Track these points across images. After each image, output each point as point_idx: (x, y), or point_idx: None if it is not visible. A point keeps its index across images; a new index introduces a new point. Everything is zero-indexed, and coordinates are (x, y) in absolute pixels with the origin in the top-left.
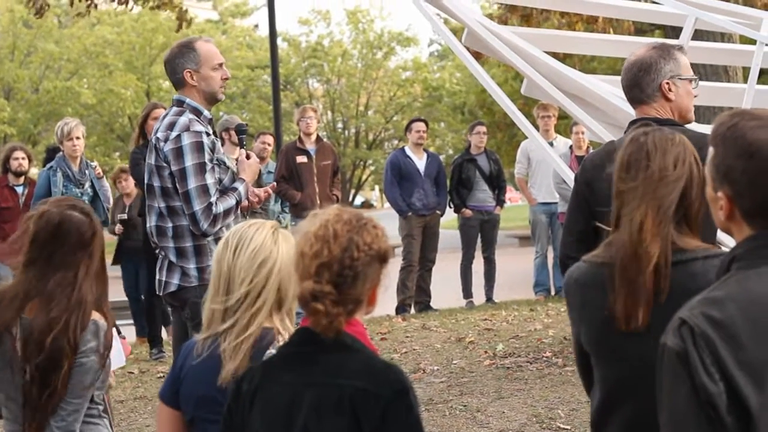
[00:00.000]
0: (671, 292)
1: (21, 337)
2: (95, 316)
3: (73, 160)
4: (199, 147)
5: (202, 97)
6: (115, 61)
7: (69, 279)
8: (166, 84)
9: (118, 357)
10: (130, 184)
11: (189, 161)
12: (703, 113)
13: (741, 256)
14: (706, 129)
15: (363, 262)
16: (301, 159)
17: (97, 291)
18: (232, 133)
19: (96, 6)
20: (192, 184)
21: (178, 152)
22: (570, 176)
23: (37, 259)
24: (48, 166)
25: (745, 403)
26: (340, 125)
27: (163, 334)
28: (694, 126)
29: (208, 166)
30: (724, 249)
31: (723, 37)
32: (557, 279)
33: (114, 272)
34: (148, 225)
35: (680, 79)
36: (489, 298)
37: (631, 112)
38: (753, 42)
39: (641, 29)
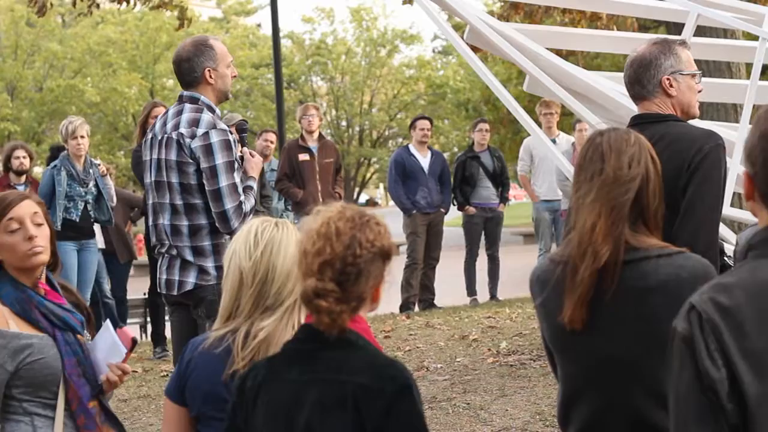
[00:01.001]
0: (620, 290)
1: None
2: None
3: (78, 159)
4: (228, 145)
5: (215, 95)
6: (118, 60)
7: None
8: (170, 83)
9: (113, 350)
10: None
11: (220, 159)
12: (706, 109)
13: (756, 245)
14: (708, 125)
15: (366, 259)
16: (303, 157)
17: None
18: (233, 130)
19: (98, 6)
20: (223, 182)
21: (208, 149)
22: (572, 173)
23: None
24: (52, 164)
25: (745, 392)
26: (344, 123)
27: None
28: (697, 122)
29: (236, 164)
30: (727, 246)
31: (725, 33)
32: None
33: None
34: (155, 222)
35: (681, 74)
36: (493, 296)
37: (634, 109)
38: (756, 38)
39: (644, 26)
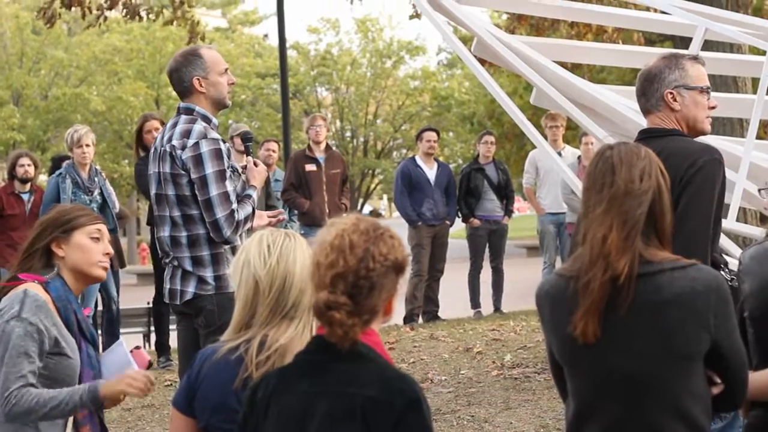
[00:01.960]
0: (635, 304)
1: None
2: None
3: (83, 167)
4: (218, 154)
5: (210, 104)
6: (124, 69)
7: None
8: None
9: (126, 368)
10: None
11: (209, 168)
12: (712, 124)
13: None
14: (714, 140)
15: (379, 272)
16: (310, 167)
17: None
18: (237, 140)
19: (106, 18)
20: (214, 191)
21: (198, 159)
22: (578, 186)
23: None
24: (57, 172)
25: None
26: (348, 134)
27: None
28: (702, 137)
29: (227, 173)
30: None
31: (732, 47)
32: None
33: (127, 279)
34: (158, 234)
35: (687, 88)
36: (497, 308)
37: (641, 122)
38: (763, 53)
39: (651, 40)
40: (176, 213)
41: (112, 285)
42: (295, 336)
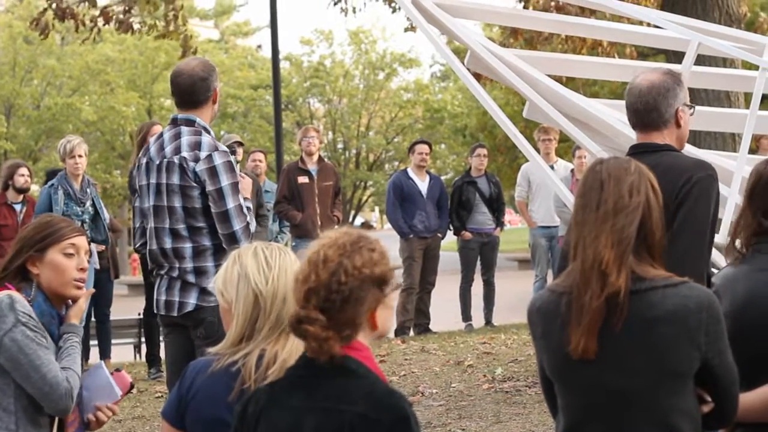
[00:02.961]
0: (628, 320)
1: None
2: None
3: (75, 178)
4: (231, 167)
5: (211, 115)
6: (116, 79)
7: None
8: (168, 102)
9: (107, 391)
10: None
11: (225, 181)
12: (704, 138)
13: None
14: (707, 154)
15: (352, 285)
16: (303, 179)
17: None
18: None
19: (99, 31)
20: (231, 203)
21: (213, 172)
22: (570, 200)
23: None
24: (49, 183)
25: None
26: (341, 146)
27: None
28: (695, 151)
29: (239, 186)
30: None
31: (725, 62)
32: None
33: (118, 290)
34: (157, 246)
35: (687, 106)
36: (488, 322)
37: (633, 137)
38: (755, 67)
39: (643, 54)
40: (181, 225)
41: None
42: (293, 350)
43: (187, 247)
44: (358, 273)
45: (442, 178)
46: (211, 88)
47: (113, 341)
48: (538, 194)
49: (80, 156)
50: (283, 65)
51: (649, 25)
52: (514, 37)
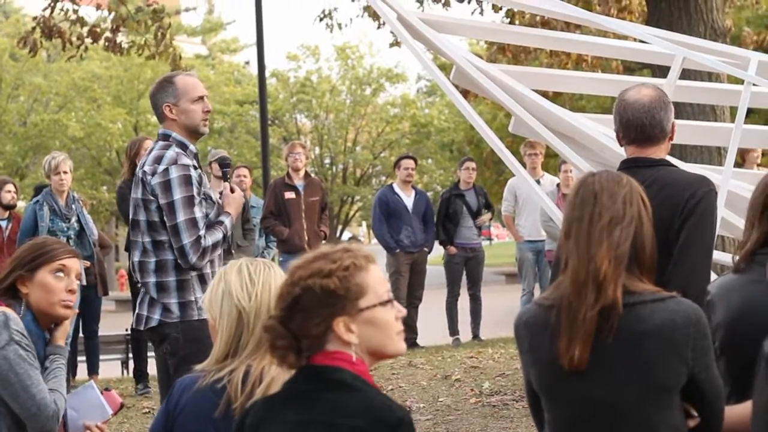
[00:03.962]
0: (617, 334)
1: None
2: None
3: (60, 194)
4: (187, 180)
5: (183, 130)
6: (103, 95)
7: None
8: (154, 119)
9: (98, 411)
10: None
11: (177, 194)
12: (690, 152)
13: None
14: (693, 168)
15: (295, 294)
16: (290, 195)
17: None
18: (215, 166)
19: (87, 48)
20: (181, 217)
21: (167, 185)
22: (557, 214)
23: None
24: (35, 200)
25: None
26: (327, 161)
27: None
28: (681, 165)
29: (197, 199)
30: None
31: (710, 76)
32: None
33: (106, 306)
34: (130, 260)
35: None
36: (475, 336)
37: (619, 151)
38: (740, 81)
39: (629, 68)
40: (147, 239)
41: (92, 318)
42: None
43: (152, 261)
44: (303, 282)
45: (430, 193)
46: (157, 104)
47: (101, 357)
48: (525, 208)
49: (65, 172)
50: (270, 81)
51: (634, 39)
52: (501, 52)
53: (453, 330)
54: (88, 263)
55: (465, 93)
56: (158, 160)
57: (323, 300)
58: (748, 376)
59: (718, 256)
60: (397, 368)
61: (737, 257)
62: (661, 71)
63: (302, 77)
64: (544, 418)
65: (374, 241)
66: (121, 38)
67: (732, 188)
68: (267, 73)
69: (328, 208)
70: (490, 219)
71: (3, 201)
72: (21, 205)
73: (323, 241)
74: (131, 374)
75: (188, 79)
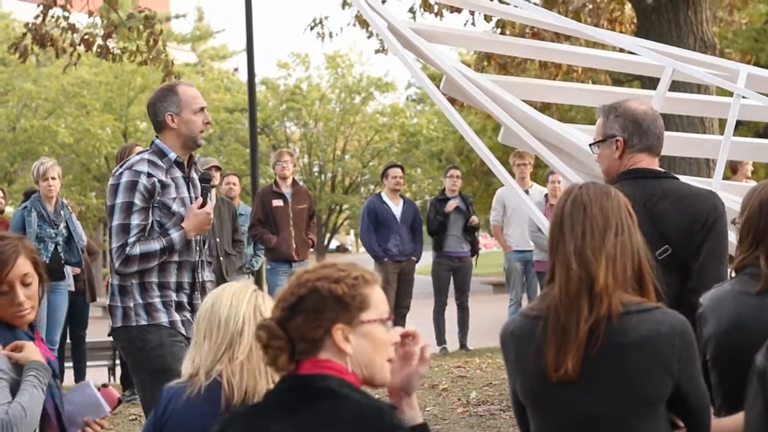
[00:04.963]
0: (603, 345)
1: None
2: None
3: (49, 200)
4: (132, 186)
5: (180, 141)
6: (92, 101)
7: None
8: (144, 125)
9: (95, 408)
10: None
11: (119, 199)
12: (679, 164)
13: None
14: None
15: (301, 293)
16: (277, 203)
17: None
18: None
19: (79, 56)
20: (115, 221)
21: (114, 189)
22: (545, 224)
23: None
24: (23, 205)
25: None
26: (316, 169)
27: None
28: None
29: (137, 206)
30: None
31: (699, 88)
32: None
33: (93, 312)
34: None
35: None
36: (463, 345)
37: None
38: (729, 94)
39: (618, 79)
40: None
41: (81, 323)
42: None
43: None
44: (311, 284)
45: (418, 202)
46: (159, 113)
47: (88, 363)
48: (513, 218)
49: (53, 178)
50: (260, 88)
51: (622, 50)
52: (487, 61)
53: (440, 339)
54: (77, 269)
55: (452, 102)
56: (123, 164)
57: (328, 304)
58: (740, 389)
59: None
60: None
61: (731, 269)
62: (651, 83)
63: (292, 85)
64: (530, 428)
65: (362, 249)
66: (113, 45)
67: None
68: (256, 81)
69: (316, 216)
70: (477, 224)
71: None
72: (9, 210)
73: (311, 250)
74: (118, 380)
75: (189, 89)
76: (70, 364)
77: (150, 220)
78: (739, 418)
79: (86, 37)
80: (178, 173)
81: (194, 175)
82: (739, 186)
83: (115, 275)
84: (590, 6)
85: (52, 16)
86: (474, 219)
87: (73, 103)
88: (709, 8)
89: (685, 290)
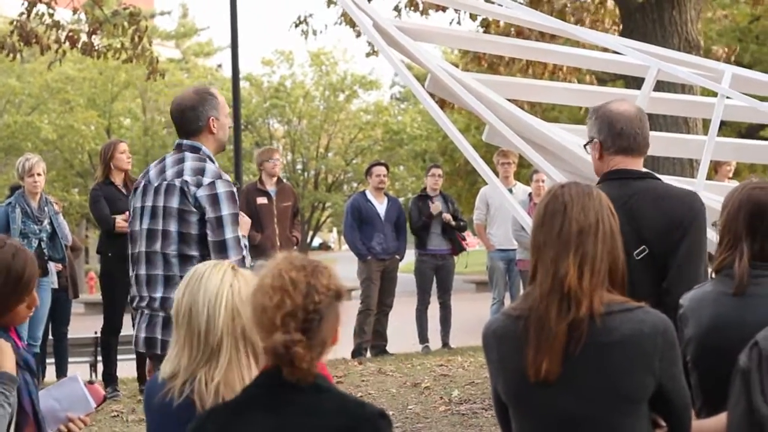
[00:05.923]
0: (585, 344)
1: None
2: None
3: (33, 196)
4: (233, 197)
5: (215, 145)
6: (76, 98)
7: None
8: (127, 121)
9: (81, 403)
10: None
11: (226, 210)
12: (662, 164)
13: None
14: (666, 180)
15: (325, 304)
16: (262, 200)
17: None
18: None
19: (65, 53)
20: (230, 233)
21: (215, 199)
22: (528, 223)
23: None
24: (6, 201)
25: None
26: (299, 167)
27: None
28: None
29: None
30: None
31: (683, 88)
32: None
33: (75, 308)
34: (145, 272)
35: None
36: (445, 344)
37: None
38: (714, 94)
39: (602, 79)
40: (172, 250)
41: (64, 319)
42: (229, 374)
43: (175, 275)
44: (327, 291)
45: (401, 199)
46: (202, 117)
47: (69, 360)
48: (497, 217)
49: (39, 174)
50: (244, 85)
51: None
52: (477, 62)
53: (423, 338)
54: (60, 266)
55: (439, 102)
56: (201, 171)
57: (337, 303)
58: (720, 389)
59: None
60: (366, 375)
61: (712, 270)
62: (635, 82)
63: (276, 82)
64: (511, 427)
65: (345, 247)
66: (98, 42)
67: (704, 200)
68: (240, 78)
69: (300, 213)
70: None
71: None
72: None
73: (295, 247)
74: (100, 377)
75: (219, 94)
76: (52, 360)
77: None
78: (720, 419)
79: (71, 34)
80: None
81: None
82: (723, 186)
83: None
84: (569, 4)
85: (37, 13)
86: (446, 216)
87: (56, 99)
88: (693, 8)
89: (661, 290)
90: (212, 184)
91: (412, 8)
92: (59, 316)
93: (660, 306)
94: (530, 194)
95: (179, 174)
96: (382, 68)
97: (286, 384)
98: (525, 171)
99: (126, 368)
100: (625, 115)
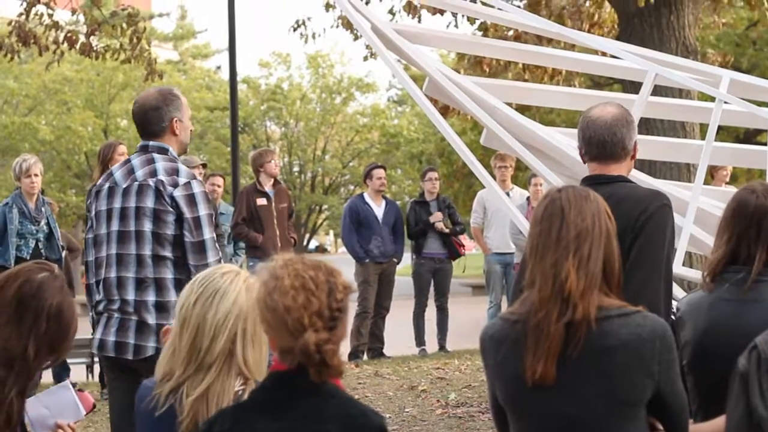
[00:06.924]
0: (583, 349)
1: None
2: None
3: (30, 197)
4: (208, 198)
5: (178, 147)
6: (73, 99)
7: None
8: (124, 123)
9: (71, 410)
10: None
11: (203, 210)
12: (659, 168)
13: None
14: (662, 184)
15: (345, 302)
16: (261, 201)
17: None
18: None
19: (63, 53)
20: (207, 234)
21: (192, 199)
22: (526, 227)
23: None
24: (4, 202)
25: None
26: (296, 169)
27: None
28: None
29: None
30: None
31: (681, 93)
32: None
33: None
34: (115, 275)
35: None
36: (442, 347)
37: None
38: (711, 99)
39: (598, 83)
40: (147, 252)
41: None
42: (214, 386)
43: (151, 278)
44: (344, 289)
45: (398, 202)
46: (164, 118)
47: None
48: (494, 221)
49: (36, 175)
50: (241, 87)
51: (605, 54)
52: (476, 68)
53: (419, 341)
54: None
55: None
56: (174, 171)
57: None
58: (716, 393)
59: (685, 272)
60: (363, 378)
61: (706, 274)
62: (633, 87)
63: (273, 84)
64: (509, 431)
65: (342, 250)
66: (96, 43)
67: (701, 205)
68: (238, 80)
69: (296, 216)
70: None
71: None
72: None
73: (293, 248)
74: (96, 378)
75: (182, 95)
76: None
77: None
78: (716, 423)
79: (69, 35)
80: None
81: None
82: (720, 191)
83: (172, 289)
84: (568, 8)
85: (36, 14)
86: (439, 225)
87: (54, 100)
88: (691, 13)
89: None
90: (188, 185)
91: (410, 13)
92: None
93: None
94: (528, 198)
95: (152, 174)
96: (379, 71)
97: (289, 387)
98: (522, 174)
99: None
100: (597, 123)
